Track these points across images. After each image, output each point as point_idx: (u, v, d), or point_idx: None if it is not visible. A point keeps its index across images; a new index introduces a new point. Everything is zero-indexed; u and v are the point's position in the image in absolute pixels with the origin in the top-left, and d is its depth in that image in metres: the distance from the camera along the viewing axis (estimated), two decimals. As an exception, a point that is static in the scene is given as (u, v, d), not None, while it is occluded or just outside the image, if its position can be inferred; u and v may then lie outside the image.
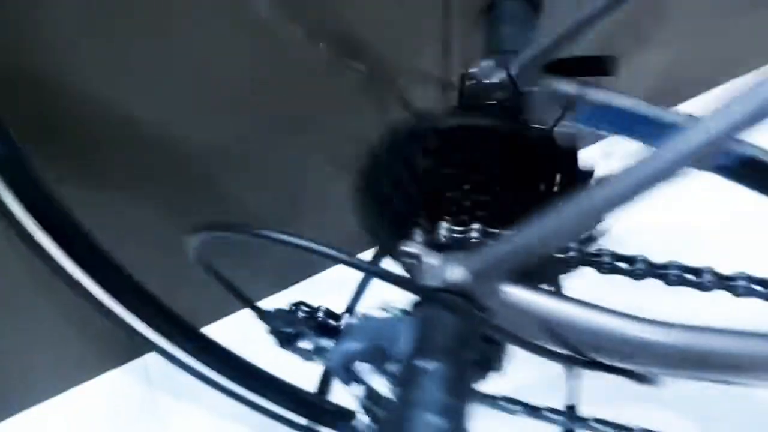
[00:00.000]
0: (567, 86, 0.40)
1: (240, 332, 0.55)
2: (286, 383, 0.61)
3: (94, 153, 0.54)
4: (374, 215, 0.34)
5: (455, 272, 0.29)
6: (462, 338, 0.28)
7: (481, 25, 0.47)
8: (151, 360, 0.73)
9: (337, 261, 0.27)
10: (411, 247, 0.30)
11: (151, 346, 0.58)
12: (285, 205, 0.66)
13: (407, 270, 0.32)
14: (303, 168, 0.62)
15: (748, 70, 0.93)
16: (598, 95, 0.40)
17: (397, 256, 0.31)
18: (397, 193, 0.34)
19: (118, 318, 0.55)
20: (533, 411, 0.40)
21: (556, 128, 0.33)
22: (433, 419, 0.24)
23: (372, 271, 0.28)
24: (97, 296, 0.53)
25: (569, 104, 0.41)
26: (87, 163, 0.55)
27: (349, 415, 0.56)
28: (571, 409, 0.64)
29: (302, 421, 0.62)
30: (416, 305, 0.29)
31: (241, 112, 0.56)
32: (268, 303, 0.38)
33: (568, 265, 0.32)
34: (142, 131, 0.54)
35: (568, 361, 0.30)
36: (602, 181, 0.25)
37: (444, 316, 0.27)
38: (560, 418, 0.41)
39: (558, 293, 0.29)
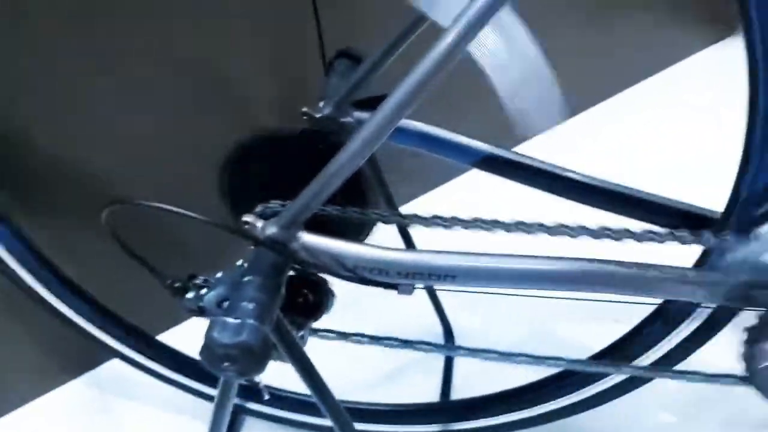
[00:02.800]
0: (365, 116, 0.61)
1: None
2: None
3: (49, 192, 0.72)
4: (229, 197, 0.53)
5: (270, 228, 0.48)
6: (275, 267, 0.47)
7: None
8: (104, 370, 0.87)
9: (204, 223, 0.45)
10: (247, 217, 0.48)
11: (110, 352, 0.74)
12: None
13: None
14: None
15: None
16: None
17: (240, 223, 0.49)
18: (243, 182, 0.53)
19: (83, 330, 0.72)
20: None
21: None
22: (246, 305, 0.43)
23: (223, 226, 0.46)
24: (62, 312, 0.71)
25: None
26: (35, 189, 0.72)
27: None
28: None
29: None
30: (252, 252, 0.48)
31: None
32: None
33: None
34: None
35: (350, 279, 0.48)
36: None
37: (262, 251, 0.46)
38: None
39: (330, 236, 0.48)
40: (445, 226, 0.47)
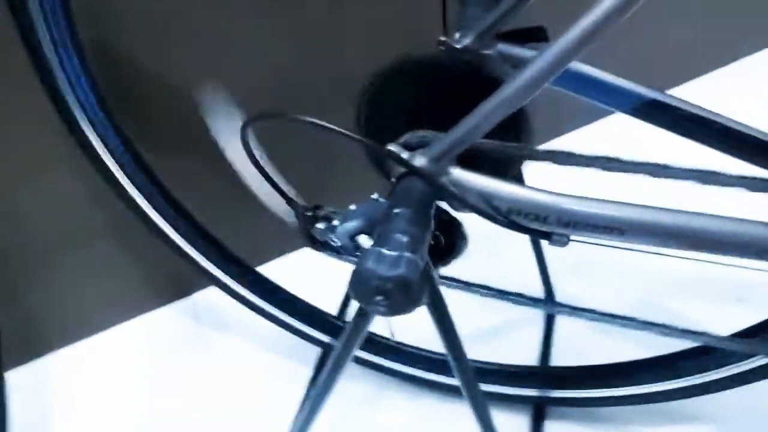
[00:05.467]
0: (513, 49, 0.55)
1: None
2: (315, 307, 0.76)
3: (163, 114, 0.70)
4: (372, 128, 0.49)
5: (419, 160, 0.44)
6: (424, 200, 0.43)
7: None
8: (199, 298, 0.87)
9: (356, 141, 0.41)
10: (393, 147, 0.45)
11: (211, 280, 0.73)
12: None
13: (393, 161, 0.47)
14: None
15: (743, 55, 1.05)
16: (529, 55, 0.55)
17: (386, 153, 0.46)
18: (390, 112, 0.49)
19: (185, 253, 0.71)
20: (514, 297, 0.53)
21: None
22: (400, 237, 0.39)
23: (377, 148, 0.43)
24: (169, 235, 0.69)
25: (516, 64, 0.56)
26: (155, 122, 0.71)
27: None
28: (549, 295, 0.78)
29: (325, 338, 0.76)
30: (395, 184, 0.44)
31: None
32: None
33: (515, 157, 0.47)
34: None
35: (500, 223, 0.44)
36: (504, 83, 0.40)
37: (413, 183, 0.42)
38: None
39: (484, 173, 0.43)
40: (628, 170, 0.41)
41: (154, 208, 0.66)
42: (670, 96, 0.52)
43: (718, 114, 0.51)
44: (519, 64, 0.56)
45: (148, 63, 0.68)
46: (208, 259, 0.71)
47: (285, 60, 0.73)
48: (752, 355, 0.55)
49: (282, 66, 0.74)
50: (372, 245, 0.39)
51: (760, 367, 0.56)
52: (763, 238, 0.42)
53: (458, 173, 0.44)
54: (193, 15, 0.67)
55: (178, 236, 0.68)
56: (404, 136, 0.46)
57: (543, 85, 0.39)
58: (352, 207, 0.48)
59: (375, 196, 0.47)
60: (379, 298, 0.38)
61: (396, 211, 0.41)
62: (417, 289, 0.38)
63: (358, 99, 0.49)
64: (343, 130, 0.40)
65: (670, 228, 0.42)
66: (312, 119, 0.40)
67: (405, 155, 0.44)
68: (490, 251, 0.58)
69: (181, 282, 0.86)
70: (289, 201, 0.49)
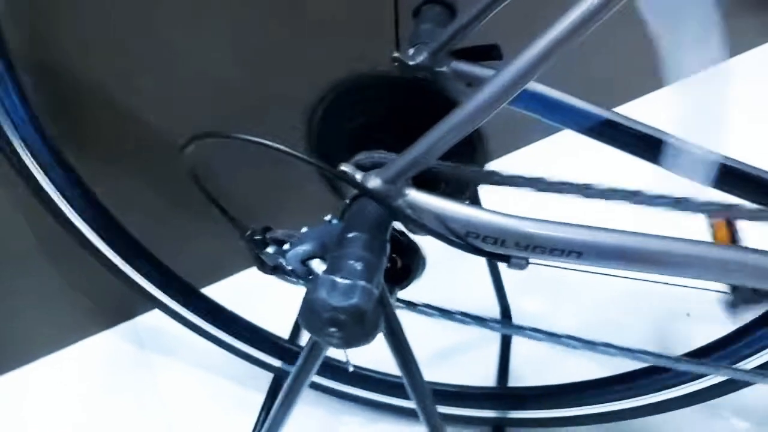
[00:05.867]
0: (466, 67, 0.54)
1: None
2: (264, 330, 0.73)
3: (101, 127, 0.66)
4: (323, 146, 0.47)
5: (373, 181, 0.42)
6: (379, 224, 0.41)
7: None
8: (142, 321, 0.83)
9: (306, 162, 0.39)
10: (345, 167, 0.43)
11: (153, 302, 0.69)
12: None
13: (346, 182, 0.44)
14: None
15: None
16: (489, 74, 0.54)
17: (338, 174, 0.44)
18: (341, 130, 0.47)
19: (126, 276, 0.67)
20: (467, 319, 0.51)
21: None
22: (354, 264, 0.37)
23: (328, 170, 0.41)
24: (109, 257, 0.65)
25: (469, 81, 0.55)
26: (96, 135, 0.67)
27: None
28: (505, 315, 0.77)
29: (276, 362, 0.73)
30: (348, 205, 0.42)
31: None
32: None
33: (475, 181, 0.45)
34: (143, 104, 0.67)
35: (458, 246, 0.43)
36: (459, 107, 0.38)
37: (367, 205, 0.41)
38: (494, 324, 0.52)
39: (441, 195, 0.42)
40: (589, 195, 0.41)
41: (90, 226, 0.62)
42: (622, 116, 0.52)
43: (667, 133, 0.51)
44: (473, 82, 0.56)
45: (84, 72, 0.64)
46: (149, 280, 0.67)
47: (231, 77, 0.71)
48: (704, 376, 0.56)
49: (228, 83, 0.71)
50: (324, 272, 0.37)
51: (714, 385, 0.56)
52: (716, 259, 0.42)
53: (414, 195, 0.42)
54: (136, 24, 0.63)
55: (116, 256, 0.65)
56: (357, 156, 0.45)
57: (499, 107, 0.38)
58: (304, 230, 0.45)
59: (328, 217, 0.45)
60: (332, 329, 0.36)
61: (349, 235, 0.39)
62: (372, 320, 0.36)
63: (307, 116, 0.47)
64: (291, 151, 0.38)
65: (627, 250, 0.41)
66: (257, 139, 0.38)
67: (358, 176, 0.43)
68: (447, 271, 0.56)
69: (123, 305, 0.82)
70: (236, 224, 0.46)
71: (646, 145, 0.52)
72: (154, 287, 0.68)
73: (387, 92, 0.48)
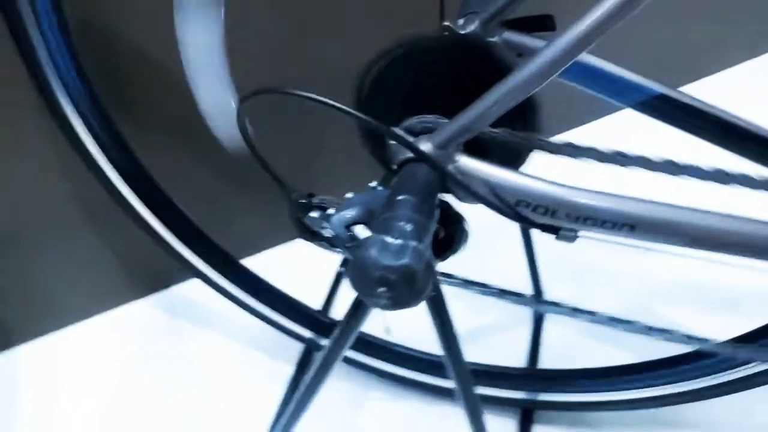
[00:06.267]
0: (518, 37, 0.53)
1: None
2: (298, 301, 0.73)
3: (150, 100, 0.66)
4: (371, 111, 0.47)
5: (425, 145, 0.41)
6: (429, 188, 0.40)
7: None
8: (176, 291, 0.84)
9: (358, 119, 0.39)
10: (397, 130, 0.42)
11: (192, 271, 0.70)
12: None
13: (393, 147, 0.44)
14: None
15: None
16: (535, 44, 0.53)
17: (392, 135, 0.43)
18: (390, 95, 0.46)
19: (168, 245, 0.67)
20: (502, 293, 0.51)
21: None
22: (404, 225, 0.36)
23: (383, 129, 0.40)
24: (152, 225, 0.66)
25: (521, 52, 0.54)
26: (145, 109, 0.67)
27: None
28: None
29: (308, 334, 0.73)
30: (397, 168, 0.42)
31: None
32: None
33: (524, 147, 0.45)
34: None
35: (507, 215, 0.42)
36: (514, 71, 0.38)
37: (418, 169, 0.40)
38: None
39: (492, 162, 0.41)
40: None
41: (136, 194, 0.63)
42: (679, 92, 0.51)
43: (726, 111, 0.50)
44: (525, 53, 0.54)
45: (137, 43, 0.64)
46: (190, 248, 0.67)
47: (282, 40, 0.70)
48: (749, 362, 0.54)
49: (278, 46, 0.70)
50: (373, 233, 0.37)
51: (757, 373, 0.54)
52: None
53: (465, 161, 0.41)
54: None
55: (160, 224, 0.65)
56: (408, 121, 0.44)
57: (551, 76, 0.37)
58: (349, 195, 0.45)
59: (373, 184, 0.45)
60: (380, 289, 0.35)
61: (399, 198, 0.38)
62: (422, 281, 0.35)
63: (357, 81, 0.47)
64: (344, 107, 0.37)
65: (681, 225, 0.40)
66: (312, 95, 0.37)
67: (411, 140, 0.42)
68: (480, 251, 0.55)
69: (158, 274, 0.82)
70: (283, 187, 0.46)
71: (703, 122, 0.51)
72: (195, 256, 0.69)
73: (437, 58, 0.47)
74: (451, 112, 0.43)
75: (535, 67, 0.38)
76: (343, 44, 0.68)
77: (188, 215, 0.66)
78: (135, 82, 0.67)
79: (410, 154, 0.41)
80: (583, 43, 0.37)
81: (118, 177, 0.61)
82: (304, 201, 0.46)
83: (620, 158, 0.41)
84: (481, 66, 0.46)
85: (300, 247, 0.51)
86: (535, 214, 0.41)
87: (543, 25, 0.53)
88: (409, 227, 0.36)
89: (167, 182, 0.64)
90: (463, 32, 0.54)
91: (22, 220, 0.70)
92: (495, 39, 0.54)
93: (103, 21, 0.62)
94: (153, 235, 0.66)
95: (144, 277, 0.82)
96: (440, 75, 0.46)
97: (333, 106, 0.37)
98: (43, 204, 0.70)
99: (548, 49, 0.38)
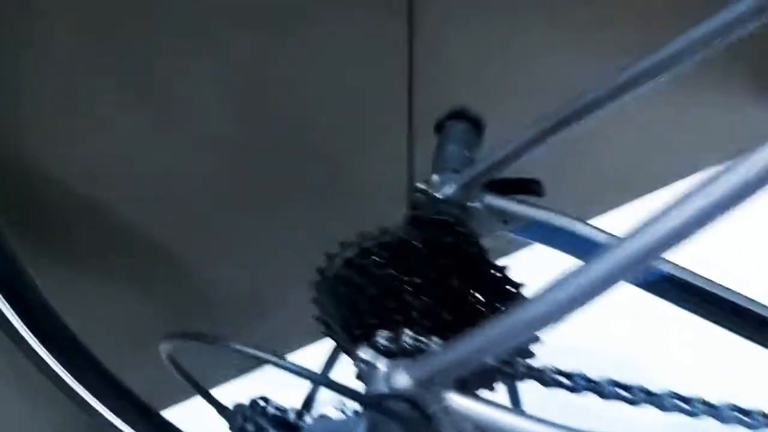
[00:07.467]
0: (503, 202, 0.45)
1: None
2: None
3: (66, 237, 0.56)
4: (332, 317, 0.37)
5: (401, 379, 0.32)
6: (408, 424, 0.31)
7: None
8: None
9: (289, 371, 0.30)
10: (364, 353, 0.33)
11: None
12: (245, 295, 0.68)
13: (359, 373, 0.35)
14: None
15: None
16: (529, 212, 0.45)
17: (352, 357, 0.34)
18: (353, 300, 0.37)
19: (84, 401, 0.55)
20: None
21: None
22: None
23: (319, 381, 0.31)
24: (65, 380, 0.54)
25: (505, 218, 0.46)
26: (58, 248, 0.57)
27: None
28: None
29: None
30: (366, 410, 0.32)
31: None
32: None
33: (513, 377, 0.36)
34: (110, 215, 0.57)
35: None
36: (534, 295, 0.28)
37: (389, 424, 0.30)
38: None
39: (496, 402, 0.32)
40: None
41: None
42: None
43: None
44: (509, 219, 0.47)
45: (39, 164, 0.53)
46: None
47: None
48: None
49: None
50: None
51: None
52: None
53: (460, 402, 0.32)
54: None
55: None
56: (378, 336, 0.35)
57: (586, 303, 0.28)
58: (309, 421, 0.35)
59: (340, 408, 0.35)
60: None
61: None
62: None
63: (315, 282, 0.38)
64: (280, 362, 0.28)
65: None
66: (239, 347, 0.28)
67: (381, 365, 0.33)
68: None
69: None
70: (223, 411, 0.36)
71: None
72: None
73: (403, 255, 0.39)
74: (428, 317, 0.34)
75: (561, 292, 0.27)
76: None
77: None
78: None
79: (385, 390, 0.32)
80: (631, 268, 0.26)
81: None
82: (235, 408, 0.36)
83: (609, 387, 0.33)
84: (454, 258, 0.38)
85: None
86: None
87: (529, 189, 0.46)
88: None
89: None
90: (440, 196, 0.46)
91: None
92: (476, 204, 0.46)
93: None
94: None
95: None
96: (408, 274, 0.38)
97: (260, 358, 0.28)
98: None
99: (582, 272, 0.26)
